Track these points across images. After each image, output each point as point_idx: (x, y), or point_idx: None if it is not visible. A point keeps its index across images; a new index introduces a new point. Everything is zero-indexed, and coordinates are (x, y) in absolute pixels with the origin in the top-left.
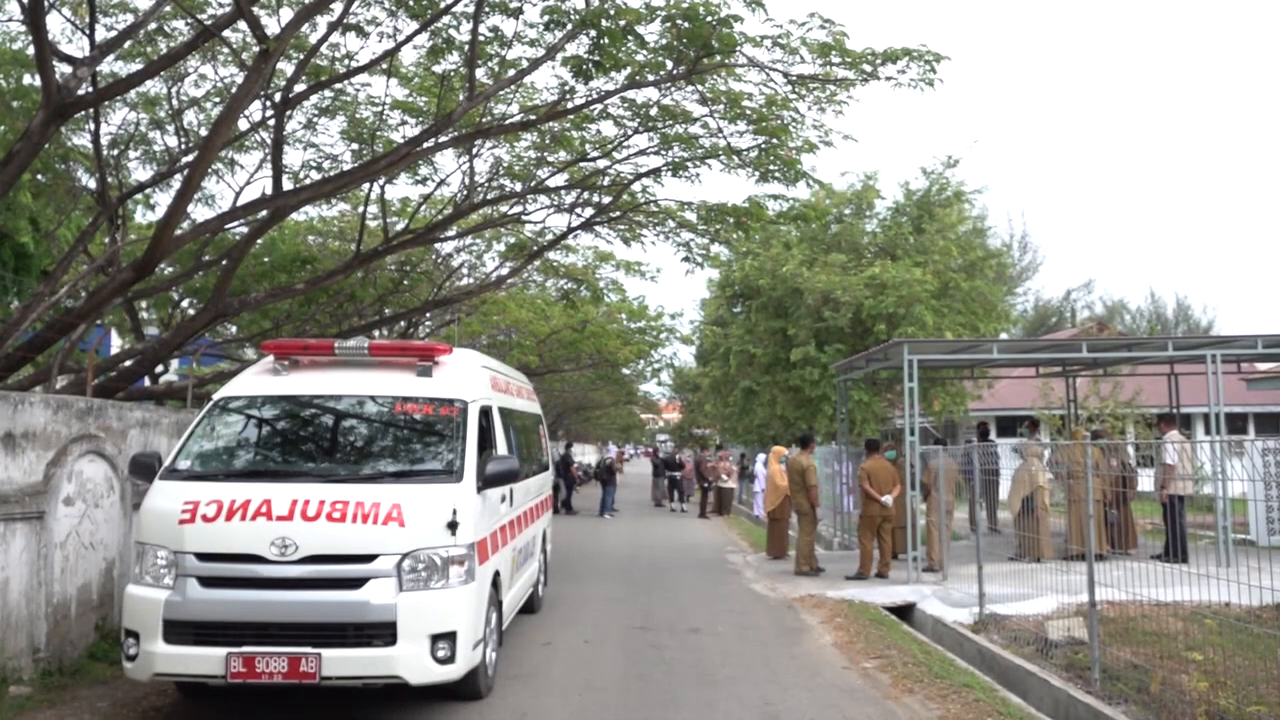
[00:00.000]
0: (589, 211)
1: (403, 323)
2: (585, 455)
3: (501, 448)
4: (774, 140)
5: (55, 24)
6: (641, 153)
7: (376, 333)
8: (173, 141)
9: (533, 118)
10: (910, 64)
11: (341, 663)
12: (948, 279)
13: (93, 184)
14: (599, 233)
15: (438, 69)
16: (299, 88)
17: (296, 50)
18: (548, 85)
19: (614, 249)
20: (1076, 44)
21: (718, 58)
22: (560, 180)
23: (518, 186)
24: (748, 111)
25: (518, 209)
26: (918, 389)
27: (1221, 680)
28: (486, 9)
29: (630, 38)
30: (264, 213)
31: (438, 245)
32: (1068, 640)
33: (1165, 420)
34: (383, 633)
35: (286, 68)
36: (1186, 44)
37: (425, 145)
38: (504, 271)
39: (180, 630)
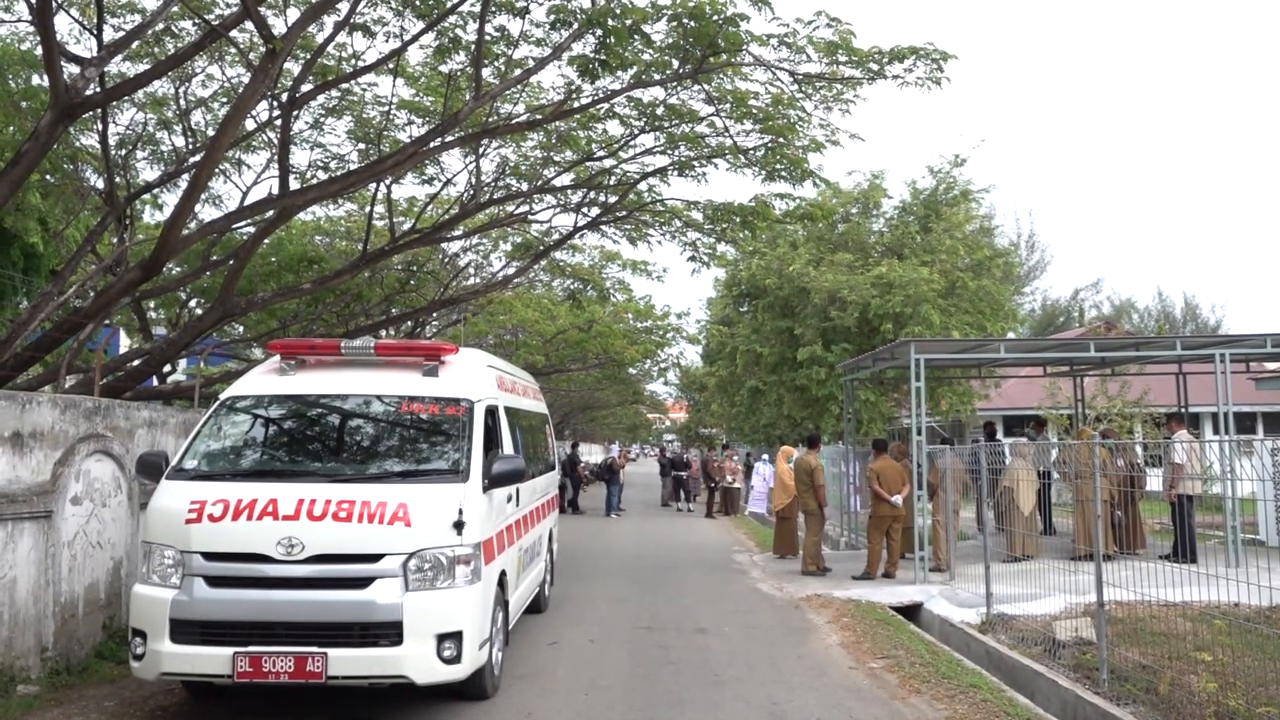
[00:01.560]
0: (595, 211)
1: (409, 322)
2: (592, 455)
3: (508, 447)
4: (780, 139)
5: (63, 24)
6: (648, 152)
7: (383, 332)
8: (180, 141)
9: (539, 117)
10: (917, 63)
11: (348, 662)
12: (955, 278)
13: (101, 184)
14: (605, 232)
15: (444, 69)
16: (306, 87)
17: (303, 50)
18: (554, 85)
19: (620, 249)
20: (1084, 42)
21: (724, 57)
22: (566, 180)
23: (524, 186)
24: (754, 111)
25: (524, 209)
26: (925, 388)
27: (1230, 681)
28: (493, 9)
29: (636, 37)
30: (271, 212)
31: (444, 245)
32: (1075, 640)
33: (1174, 420)
34: (389, 632)
35: (293, 68)
36: (1194, 42)
37: (432, 145)
38: (510, 271)
39: (187, 630)
